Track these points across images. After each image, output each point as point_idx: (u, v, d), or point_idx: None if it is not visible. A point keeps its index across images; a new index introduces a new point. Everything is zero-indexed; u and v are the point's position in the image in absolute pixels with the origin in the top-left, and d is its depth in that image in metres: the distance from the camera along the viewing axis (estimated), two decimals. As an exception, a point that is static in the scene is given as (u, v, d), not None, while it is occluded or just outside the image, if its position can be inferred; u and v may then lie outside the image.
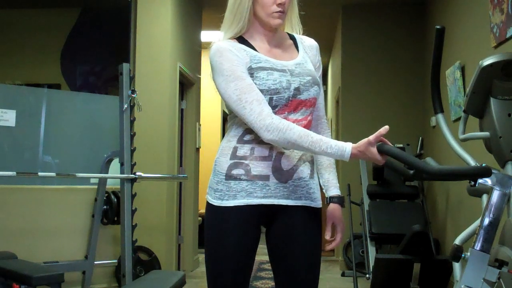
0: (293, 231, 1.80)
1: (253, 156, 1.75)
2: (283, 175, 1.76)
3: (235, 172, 1.75)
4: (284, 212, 1.79)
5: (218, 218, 1.76)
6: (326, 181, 1.91)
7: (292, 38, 1.90)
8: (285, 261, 1.82)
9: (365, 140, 1.65)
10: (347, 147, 1.65)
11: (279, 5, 1.75)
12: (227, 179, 1.76)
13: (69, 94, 5.51)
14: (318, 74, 1.88)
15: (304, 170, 1.80)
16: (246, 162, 1.75)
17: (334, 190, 1.91)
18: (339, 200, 1.92)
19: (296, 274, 1.80)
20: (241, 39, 1.81)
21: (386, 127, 1.65)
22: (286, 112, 1.75)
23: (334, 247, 1.91)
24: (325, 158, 1.89)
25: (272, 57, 1.80)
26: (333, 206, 1.90)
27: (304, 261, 1.79)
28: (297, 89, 1.76)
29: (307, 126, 1.79)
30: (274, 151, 1.75)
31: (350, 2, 6.03)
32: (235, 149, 1.77)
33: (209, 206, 1.79)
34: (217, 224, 1.76)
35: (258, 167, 1.75)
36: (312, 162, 1.84)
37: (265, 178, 1.75)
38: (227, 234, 1.74)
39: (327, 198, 1.92)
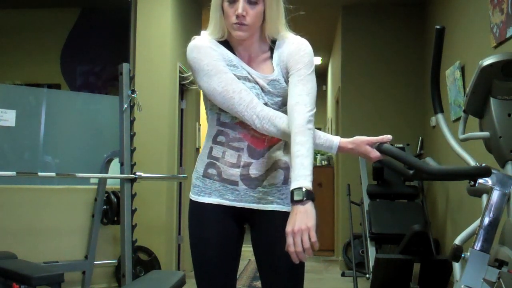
0: (270, 235, 1.81)
1: (223, 160, 1.78)
2: (252, 182, 1.78)
3: (209, 171, 1.81)
4: (259, 215, 1.81)
5: (196, 212, 1.83)
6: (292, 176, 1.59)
7: (272, 48, 1.79)
8: (267, 263, 1.83)
9: (365, 138, 1.75)
10: (335, 140, 1.73)
11: (237, 17, 1.67)
12: (204, 177, 1.82)
13: (69, 94, 5.51)
14: (309, 71, 1.71)
15: (277, 177, 1.81)
16: (218, 164, 1.79)
17: (293, 183, 1.55)
18: (299, 194, 1.52)
19: (279, 276, 1.79)
20: (226, 44, 1.77)
21: (389, 136, 1.74)
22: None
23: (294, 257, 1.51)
24: (294, 148, 1.59)
25: (250, 66, 1.76)
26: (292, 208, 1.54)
27: (285, 264, 1.74)
28: None
29: (273, 141, 1.79)
30: (242, 161, 1.77)
31: (350, 2, 6.03)
32: (211, 149, 1.81)
33: (190, 200, 1.86)
34: (197, 218, 1.82)
35: (227, 172, 1.78)
36: (287, 169, 1.81)
37: (235, 183, 1.78)
38: (206, 227, 1.80)
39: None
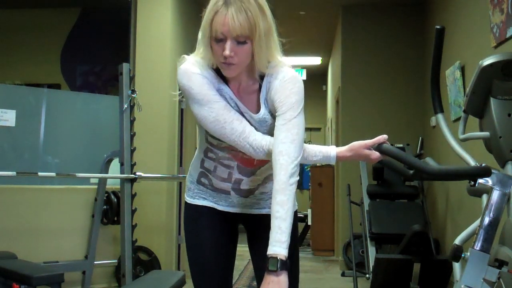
0: (264, 237, 1.83)
1: (215, 174, 1.81)
2: (243, 192, 1.83)
3: (202, 180, 1.85)
4: (252, 219, 1.87)
5: (192, 214, 1.86)
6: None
7: (261, 83, 1.71)
8: (262, 264, 1.85)
9: (361, 142, 1.78)
10: (331, 152, 1.77)
11: (224, 57, 1.58)
12: (198, 183, 1.86)
13: (69, 94, 5.52)
14: (296, 113, 1.63)
15: (267, 186, 1.85)
16: (210, 176, 1.82)
17: (269, 248, 1.51)
18: (273, 265, 1.49)
19: None
20: (218, 70, 1.68)
21: (385, 136, 1.77)
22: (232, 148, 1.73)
23: None
24: (274, 208, 1.56)
25: (239, 98, 1.71)
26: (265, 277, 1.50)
27: None
28: None
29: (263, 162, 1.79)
30: (233, 177, 1.80)
31: (350, 2, 6.03)
32: (202, 161, 1.83)
33: (185, 203, 1.89)
34: (192, 219, 1.86)
35: (219, 185, 1.82)
36: None
37: (227, 192, 1.83)
38: (201, 228, 1.83)
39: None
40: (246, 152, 1.70)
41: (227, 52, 1.56)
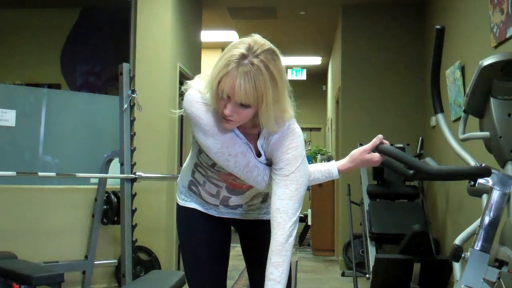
0: (255, 240, 1.90)
1: (204, 188, 1.83)
2: (231, 207, 1.86)
3: (193, 188, 1.86)
4: (242, 223, 1.91)
5: (185, 215, 1.89)
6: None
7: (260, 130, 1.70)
8: (254, 265, 1.91)
9: (360, 149, 1.82)
10: (332, 169, 1.81)
11: (224, 115, 1.57)
12: (188, 189, 1.88)
13: (69, 94, 5.52)
14: (293, 168, 1.64)
15: (255, 199, 1.88)
16: (199, 188, 1.84)
17: None
18: None
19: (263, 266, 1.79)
20: None
21: (380, 136, 1.80)
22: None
23: None
24: (268, 270, 1.59)
25: (245, 137, 1.70)
26: None
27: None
28: None
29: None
30: (221, 195, 1.82)
31: (350, 2, 6.03)
32: (193, 172, 1.84)
33: (177, 205, 1.92)
34: (185, 220, 1.89)
35: (208, 199, 1.84)
36: (266, 194, 1.87)
37: (215, 205, 1.86)
38: (194, 228, 1.87)
39: None
40: (248, 183, 1.72)
41: (227, 112, 1.54)
